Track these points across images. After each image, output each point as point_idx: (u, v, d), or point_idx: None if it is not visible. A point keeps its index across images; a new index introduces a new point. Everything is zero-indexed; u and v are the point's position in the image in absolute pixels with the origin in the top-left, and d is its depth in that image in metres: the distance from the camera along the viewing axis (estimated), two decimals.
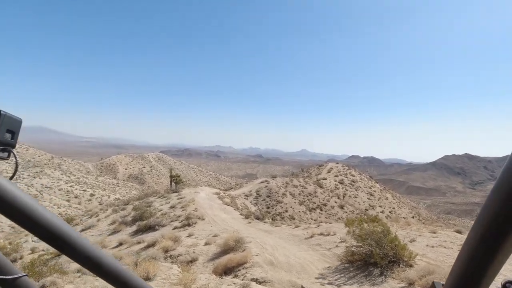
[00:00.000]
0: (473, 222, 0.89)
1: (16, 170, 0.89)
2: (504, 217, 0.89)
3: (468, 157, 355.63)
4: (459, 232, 11.66)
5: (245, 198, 36.13)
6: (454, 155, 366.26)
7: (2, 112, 0.89)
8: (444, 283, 0.89)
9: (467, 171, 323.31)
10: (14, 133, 0.89)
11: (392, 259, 7.07)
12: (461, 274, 0.88)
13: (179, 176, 33.69)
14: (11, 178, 0.90)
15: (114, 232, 16.29)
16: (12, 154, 0.90)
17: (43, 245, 15.02)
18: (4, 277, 0.89)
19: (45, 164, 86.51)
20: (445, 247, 9.03)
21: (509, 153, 0.89)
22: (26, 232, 21.26)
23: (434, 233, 11.22)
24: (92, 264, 0.90)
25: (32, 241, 17.28)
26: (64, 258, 10.90)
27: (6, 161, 0.90)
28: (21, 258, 12.74)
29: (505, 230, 0.89)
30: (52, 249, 12.59)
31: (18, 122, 0.89)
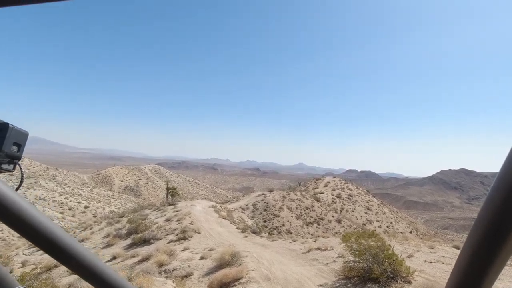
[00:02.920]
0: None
1: (21, 182, 0.92)
2: (502, 220, 0.91)
3: (465, 172, 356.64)
4: (457, 248, 11.54)
5: (241, 212, 35.76)
6: (450, 170, 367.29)
7: (10, 125, 0.92)
8: None
9: (464, 186, 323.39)
10: (20, 146, 0.92)
11: (391, 275, 6.97)
12: (459, 282, 0.90)
13: (175, 189, 33.37)
14: (16, 189, 0.92)
15: (108, 245, 15.96)
16: (17, 167, 0.92)
17: (34, 259, 14.67)
18: None
19: (40, 175, 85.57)
20: (443, 263, 8.93)
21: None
22: (17, 245, 20.73)
23: (432, 248, 11.12)
24: (96, 278, 0.91)
25: (23, 254, 16.87)
26: (55, 272, 10.64)
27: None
28: (11, 272, 12.41)
29: (503, 236, 0.91)
30: (43, 263, 12.29)
31: (25, 135, 0.92)
